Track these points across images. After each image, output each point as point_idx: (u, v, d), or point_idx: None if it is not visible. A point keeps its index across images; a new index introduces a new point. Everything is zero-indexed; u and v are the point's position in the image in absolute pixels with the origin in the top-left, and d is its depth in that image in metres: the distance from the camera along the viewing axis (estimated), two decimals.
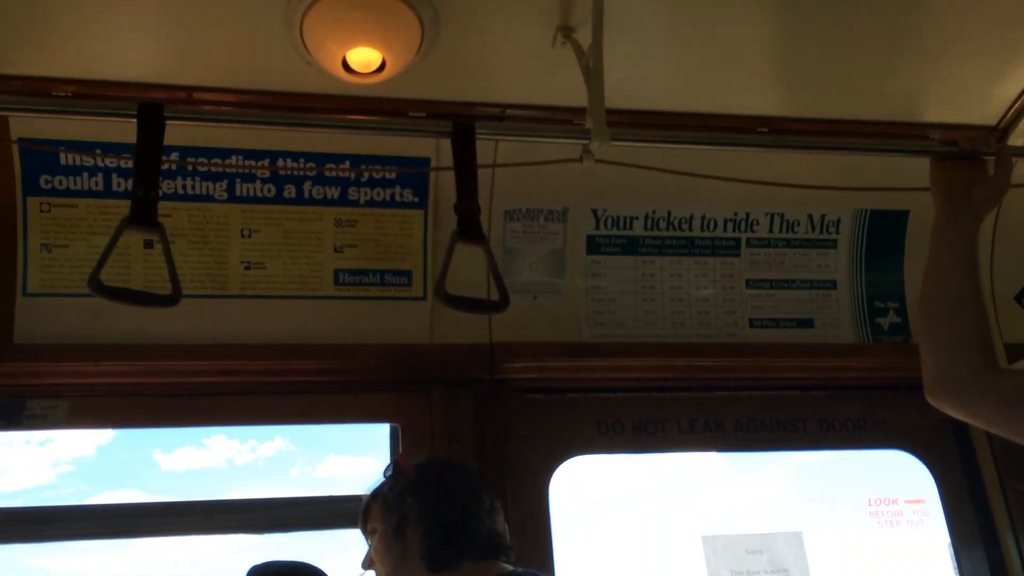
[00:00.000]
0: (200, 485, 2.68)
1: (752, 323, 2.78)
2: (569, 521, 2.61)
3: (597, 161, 1.94)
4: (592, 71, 1.94)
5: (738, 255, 2.78)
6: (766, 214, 2.76)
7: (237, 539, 2.54)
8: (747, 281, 2.79)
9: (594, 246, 2.69)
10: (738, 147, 2.22)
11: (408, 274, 2.55)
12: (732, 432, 2.76)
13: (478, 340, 2.56)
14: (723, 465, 3.01)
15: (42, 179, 2.30)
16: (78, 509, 2.47)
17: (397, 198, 2.51)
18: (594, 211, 2.68)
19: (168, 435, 2.73)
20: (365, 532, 2.07)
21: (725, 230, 2.76)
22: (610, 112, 1.90)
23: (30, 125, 2.21)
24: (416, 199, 2.51)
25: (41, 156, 2.28)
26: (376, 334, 2.52)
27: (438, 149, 2.42)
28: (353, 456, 2.82)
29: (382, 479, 2.13)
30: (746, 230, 2.77)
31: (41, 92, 2.12)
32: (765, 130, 2.44)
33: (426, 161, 2.45)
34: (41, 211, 2.32)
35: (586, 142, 1.90)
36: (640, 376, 2.74)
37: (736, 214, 2.74)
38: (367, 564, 2.04)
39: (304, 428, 2.72)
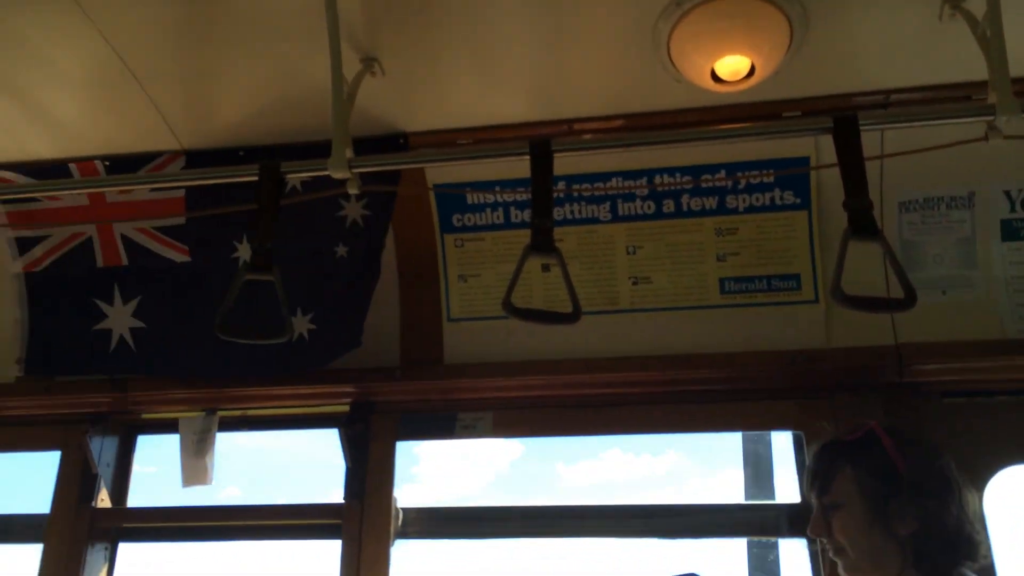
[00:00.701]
0: (598, 497, 2.82)
1: None
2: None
3: (1006, 138, 1.72)
4: (991, 39, 1.73)
5: None
6: None
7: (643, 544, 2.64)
8: None
9: (1011, 231, 2.38)
10: None
11: (796, 277, 2.47)
12: None
13: (881, 341, 2.40)
14: None
15: (454, 218, 2.61)
16: (507, 510, 2.74)
17: (777, 201, 2.44)
18: (1007, 192, 2.37)
19: (569, 450, 2.92)
20: (820, 499, 1.99)
21: None
22: (1015, 81, 1.69)
23: (441, 172, 2.53)
24: (798, 200, 2.43)
25: (452, 198, 2.59)
26: (769, 340, 2.48)
27: (817, 146, 2.32)
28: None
29: (835, 438, 2.05)
30: None
31: (447, 143, 2.42)
32: None
33: (805, 160, 2.36)
34: (455, 246, 2.64)
35: (990, 118, 1.71)
36: None
37: None
38: (819, 531, 1.97)
39: (697, 443, 2.77)
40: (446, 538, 2.76)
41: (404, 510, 2.68)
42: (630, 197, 2.52)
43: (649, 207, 2.52)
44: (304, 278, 2.53)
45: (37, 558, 2.75)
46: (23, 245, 2.72)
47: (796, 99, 2.21)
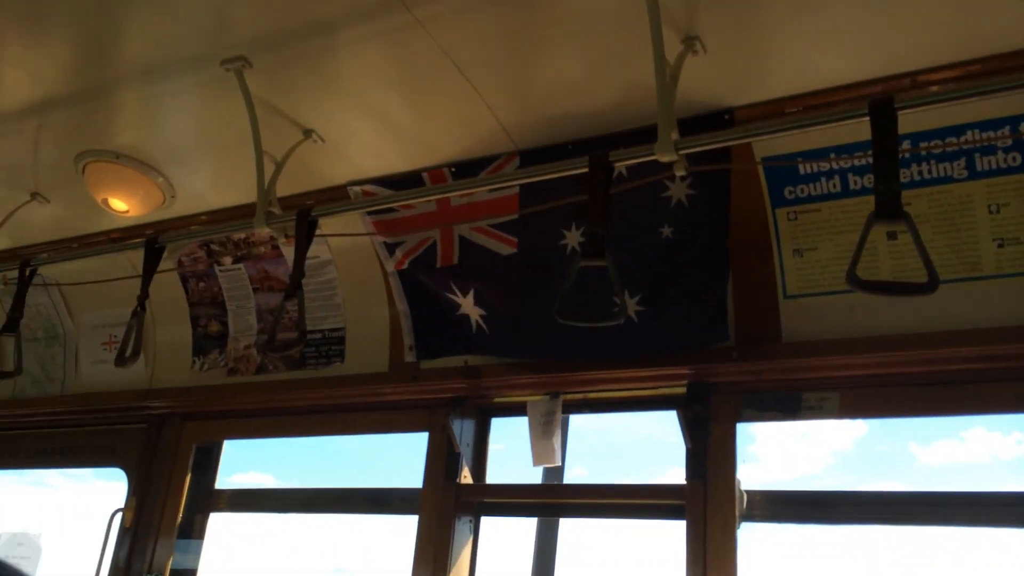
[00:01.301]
0: (960, 480, 2.55)
1: None
2: None
3: None
4: None
5: None
6: None
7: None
8: None
9: None
10: None
11: None
12: None
13: None
14: None
15: (786, 190, 2.51)
16: (860, 495, 2.59)
17: None
18: None
19: (924, 428, 2.67)
20: None
21: None
22: None
23: (769, 144, 2.43)
24: None
25: (782, 170, 2.49)
26: None
27: None
28: None
29: None
30: None
31: (775, 114, 2.33)
32: None
33: None
34: (788, 220, 2.53)
35: None
36: None
37: None
38: None
39: None
40: (794, 522, 2.67)
41: (748, 492, 2.63)
42: (990, 150, 2.25)
43: (1014, 159, 2.24)
44: (630, 260, 2.55)
45: (413, 528, 3.08)
46: (389, 248, 3.05)
47: None
